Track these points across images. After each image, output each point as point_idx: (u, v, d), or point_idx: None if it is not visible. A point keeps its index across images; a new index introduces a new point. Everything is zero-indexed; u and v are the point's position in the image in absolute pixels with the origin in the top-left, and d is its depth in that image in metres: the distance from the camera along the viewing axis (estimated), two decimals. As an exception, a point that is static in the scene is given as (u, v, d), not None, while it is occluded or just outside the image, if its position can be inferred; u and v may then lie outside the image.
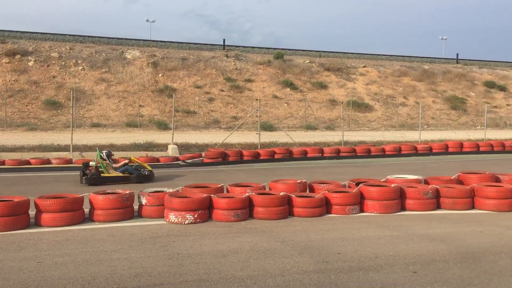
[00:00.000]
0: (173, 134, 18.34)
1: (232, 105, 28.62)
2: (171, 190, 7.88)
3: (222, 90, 29.82)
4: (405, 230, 6.54)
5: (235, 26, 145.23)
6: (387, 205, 7.70)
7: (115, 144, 17.98)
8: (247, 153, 16.30)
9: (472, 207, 8.07)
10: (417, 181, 8.99)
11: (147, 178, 11.48)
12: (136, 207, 7.56)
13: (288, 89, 31.33)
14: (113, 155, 12.12)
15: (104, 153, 11.47)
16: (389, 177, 9.39)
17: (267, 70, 33.17)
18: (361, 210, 7.82)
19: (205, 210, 7.12)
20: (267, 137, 20.70)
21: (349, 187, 8.68)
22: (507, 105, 34.27)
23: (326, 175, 12.65)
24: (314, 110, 29.49)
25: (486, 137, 22.45)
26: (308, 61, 35.82)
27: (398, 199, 7.88)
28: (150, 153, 16.73)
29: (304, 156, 17.03)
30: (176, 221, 6.91)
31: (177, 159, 15.81)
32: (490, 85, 36.14)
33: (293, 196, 7.59)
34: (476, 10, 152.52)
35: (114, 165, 11.54)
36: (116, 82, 28.30)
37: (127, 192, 7.45)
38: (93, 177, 10.99)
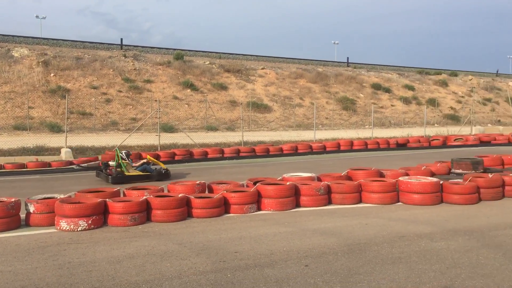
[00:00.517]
0: (66, 137, 17.35)
1: (131, 107, 27.78)
2: (62, 196, 7.47)
3: (120, 91, 28.82)
4: (299, 226, 6.85)
5: (134, 25, 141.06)
6: (283, 202, 8.00)
7: (1, 148, 16.60)
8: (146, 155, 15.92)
9: (360, 201, 8.67)
10: (311, 179, 9.45)
11: (166, 176, 12.21)
12: (23, 215, 7.07)
13: (189, 90, 31.14)
14: (131, 154, 12.76)
15: (123, 153, 12.03)
16: (285, 175, 9.76)
17: (167, 70, 32.67)
18: (259, 209, 8.04)
19: (99, 216, 6.86)
20: (167, 138, 20.41)
21: (247, 186, 8.89)
22: (392, 105, 37.17)
23: (226, 175, 12.80)
24: (215, 111, 29.64)
25: (373, 135, 24.19)
26: (208, 62, 35.89)
27: (293, 197, 8.22)
28: (40, 158, 15.69)
29: (204, 157, 17.06)
30: (67, 228, 6.58)
31: (71, 163, 15.01)
32: (376, 87, 38.96)
33: (192, 197, 7.59)
34: (365, 17, 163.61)
35: (134, 164, 12.12)
36: (1, 82, 26.09)
37: (12, 200, 6.93)
38: (119, 176, 11.55)
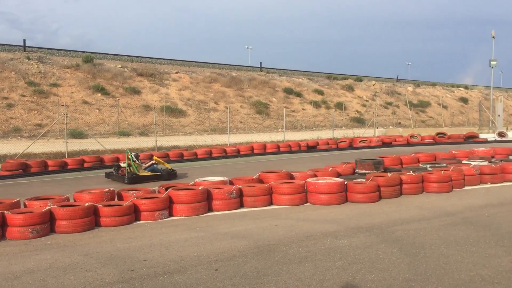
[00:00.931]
0: (-41, 145, 15.95)
1: (36, 112, 26.14)
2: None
3: (24, 95, 27.01)
4: (210, 230, 6.88)
5: (39, 26, 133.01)
6: (195, 207, 7.99)
7: None
8: (52, 163, 15.10)
9: (271, 203, 8.89)
10: (223, 182, 9.53)
11: (174, 176, 12.97)
12: None
13: (100, 94, 29.97)
14: (140, 156, 13.38)
15: (133, 155, 12.67)
16: (197, 180, 9.75)
17: (75, 74, 31.19)
18: (171, 215, 7.96)
19: (-4, 230, 6.41)
20: (76, 145, 19.47)
21: (159, 192, 8.76)
22: (303, 109, 38.51)
23: (138, 182, 12.49)
24: (127, 116, 28.80)
25: (285, 138, 24.90)
26: (120, 66, 34.80)
27: (205, 201, 8.24)
28: None
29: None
30: (-41, 245, 6.07)
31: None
32: (288, 91, 40.16)
33: (100, 205, 7.34)
34: (276, 23, 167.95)
35: (144, 165, 12.83)
36: None
37: None
38: (133, 177, 12.21)
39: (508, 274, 4.84)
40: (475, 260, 5.31)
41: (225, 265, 5.19)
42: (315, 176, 10.32)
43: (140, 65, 36.62)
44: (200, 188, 8.39)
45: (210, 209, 8.33)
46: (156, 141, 20.44)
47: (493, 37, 34.43)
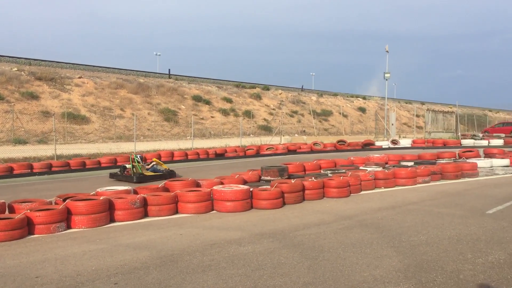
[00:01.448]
0: None
1: None
2: None
3: None
4: (111, 242, 6.62)
5: None
6: (95, 218, 7.65)
7: None
8: None
9: (176, 212, 8.78)
10: (127, 192, 9.24)
11: (174, 175, 14.20)
12: None
13: (-9, 99, 27.66)
14: (143, 157, 15.15)
15: (139, 156, 14.13)
16: (99, 189, 9.35)
17: (-38, 76, 28.54)
18: (69, 227, 7.55)
19: None
20: (-38, 153, 17.79)
21: (56, 203, 8.27)
22: (212, 117, 38.58)
23: (34, 192, 11.69)
24: (24, 122, 26.88)
25: (194, 146, 24.76)
26: (16, 68, 32.41)
27: (107, 212, 7.93)
28: None
29: (10, 174, 15.30)
30: None
31: None
32: (197, 99, 40.04)
33: (-13, 220, 6.75)
34: (185, 30, 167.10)
35: (146, 166, 14.22)
36: None
37: None
38: (141, 176, 13.48)
39: (398, 273, 5.20)
40: (369, 261, 5.65)
41: (125, 278, 5.03)
42: (222, 183, 10.38)
43: (39, 68, 34.42)
44: (101, 198, 8.05)
45: (112, 220, 8.03)
46: (56, 149, 19.29)
47: (387, 51, 37.07)
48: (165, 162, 19.58)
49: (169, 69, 45.57)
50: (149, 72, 44.49)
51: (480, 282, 4.91)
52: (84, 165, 17.25)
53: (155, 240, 6.74)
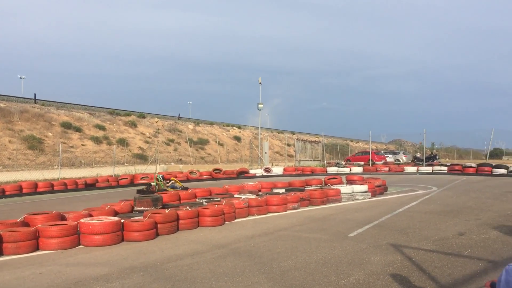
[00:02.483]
0: None
1: None
2: None
3: None
4: (-45, 287, 5.82)
5: None
6: None
7: None
8: None
9: (37, 248, 8.05)
10: (-23, 229, 8.25)
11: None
12: None
13: None
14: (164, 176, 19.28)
15: (161, 176, 18.08)
16: None
17: None
18: None
19: None
20: None
21: None
22: (82, 145, 36.49)
23: None
24: None
25: (61, 176, 23.14)
26: None
27: (-48, 252, 6.98)
28: None
29: None
30: None
31: None
32: (67, 125, 37.66)
33: None
34: (55, 54, 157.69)
35: (167, 183, 17.44)
36: None
37: None
38: (164, 191, 14.82)
39: (267, 298, 5.33)
40: (240, 289, 5.71)
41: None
42: (90, 215, 9.79)
43: None
44: None
45: (-43, 262, 7.08)
46: None
47: (260, 83, 38.82)
48: (27, 194, 18.03)
49: (35, 94, 42.33)
50: (11, 96, 40.81)
51: (342, 302, 5.22)
52: None
53: (9, 282, 6.07)
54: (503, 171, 28.76)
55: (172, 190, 15.88)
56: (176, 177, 24.76)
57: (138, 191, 16.69)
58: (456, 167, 31.35)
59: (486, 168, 29.82)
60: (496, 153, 47.38)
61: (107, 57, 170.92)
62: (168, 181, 17.91)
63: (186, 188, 16.44)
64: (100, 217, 9.41)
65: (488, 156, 38.08)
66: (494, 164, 31.08)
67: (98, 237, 8.34)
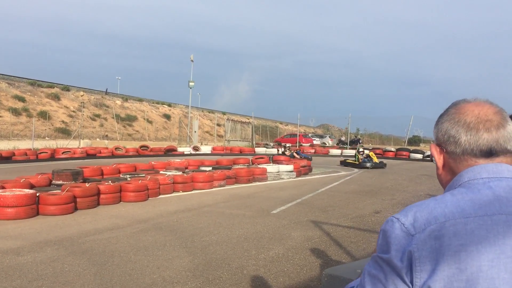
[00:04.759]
0: None
1: None
2: None
3: None
4: None
5: None
6: None
7: None
8: None
9: None
10: None
11: None
12: None
13: None
14: None
15: None
16: None
17: None
18: None
19: None
20: None
21: None
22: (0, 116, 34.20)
23: None
24: None
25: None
26: None
27: None
28: None
29: None
30: None
31: None
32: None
33: None
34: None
35: None
36: None
37: None
38: None
39: (187, 273, 5.31)
40: (160, 263, 5.64)
41: None
42: (3, 188, 9.21)
43: None
44: None
45: None
46: None
47: (192, 60, 38.20)
48: None
49: None
50: None
51: (260, 275, 5.32)
52: None
53: None
54: (419, 156, 30.78)
55: None
56: (100, 152, 23.94)
57: None
58: (377, 151, 32.93)
59: (404, 153, 31.74)
60: (415, 140, 50.29)
61: (29, 25, 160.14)
62: None
63: None
64: (14, 189, 8.89)
65: (406, 142, 40.35)
66: (411, 149, 33.10)
67: (11, 210, 7.89)
